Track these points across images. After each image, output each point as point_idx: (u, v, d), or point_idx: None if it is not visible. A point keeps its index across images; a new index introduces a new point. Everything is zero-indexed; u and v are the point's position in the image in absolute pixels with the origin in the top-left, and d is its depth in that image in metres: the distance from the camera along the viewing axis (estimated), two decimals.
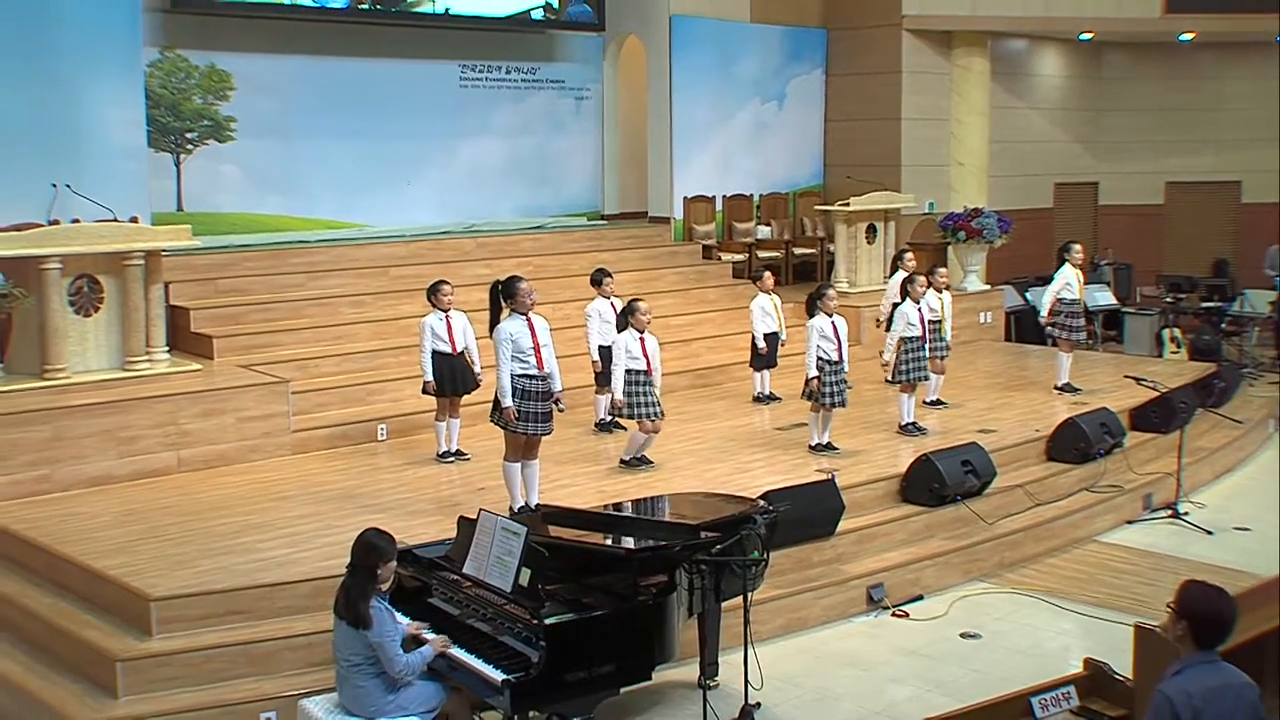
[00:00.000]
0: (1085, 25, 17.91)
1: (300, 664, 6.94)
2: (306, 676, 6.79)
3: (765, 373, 12.22)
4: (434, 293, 10.01)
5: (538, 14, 15.39)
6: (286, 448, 10.24)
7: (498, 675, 5.71)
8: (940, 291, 11.58)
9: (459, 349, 9.97)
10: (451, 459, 10.02)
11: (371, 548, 5.95)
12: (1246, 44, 18.60)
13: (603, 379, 10.56)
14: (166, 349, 10.50)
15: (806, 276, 16.65)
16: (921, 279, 11.03)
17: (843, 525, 8.83)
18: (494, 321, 8.43)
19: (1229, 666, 4.88)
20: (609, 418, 10.86)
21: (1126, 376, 11.80)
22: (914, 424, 10.85)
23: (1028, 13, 17.11)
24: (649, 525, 6.62)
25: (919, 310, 10.78)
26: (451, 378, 9.96)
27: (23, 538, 8.18)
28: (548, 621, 5.70)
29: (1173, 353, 15.91)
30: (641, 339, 9.54)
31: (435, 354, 9.88)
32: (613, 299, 10.84)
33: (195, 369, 10.55)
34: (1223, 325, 16.72)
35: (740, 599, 6.61)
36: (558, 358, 8.63)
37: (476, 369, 10.00)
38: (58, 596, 7.61)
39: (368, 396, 11.15)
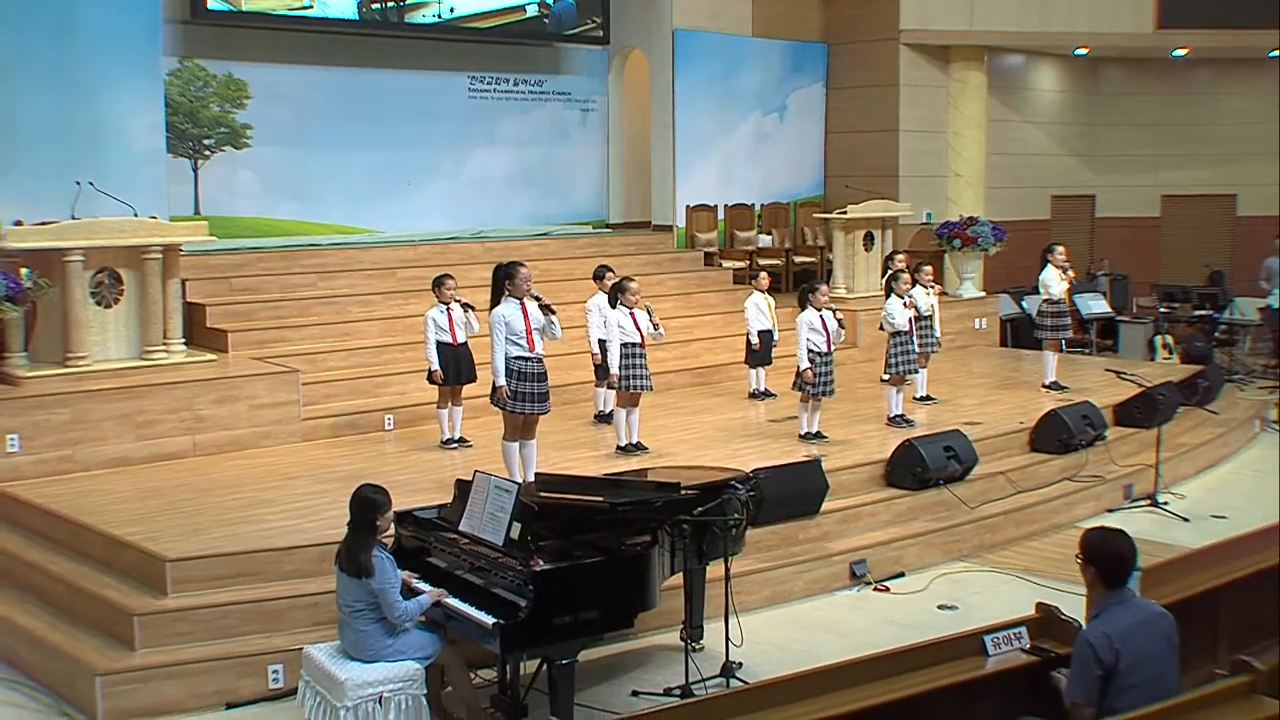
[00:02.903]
0: (1079, 40, 18.32)
1: (307, 622, 7.34)
2: (313, 633, 7.16)
3: (760, 370, 12.60)
4: (438, 286, 10.44)
5: (532, 9, 15.81)
6: (296, 435, 10.66)
7: (489, 619, 6.11)
8: (926, 288, 11.95)
9: (460, 340, 10.39)
10: (455, 446, 10.42)
11: (368, 502, 6.37)
12: (1240, 60, 18.99)
13: (602, 371, 10.94)
14: (183, 340, 10.93)
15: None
16: (905, 275, 11.44)
17: (827, 506, 9.20)
18: (495, 303, 8.85)
19: (1143, 602, 5.30)
20: (609, 410, 11.24)
21: (1107, 370, 12.16)
22: (902, 416, 11.21)
23: (1023, 27, 17.52)
24: (635, 486, 7.01)
25: (903, 304, 11.18)
26: (456, 367, 10.37)
27: (46, 510, 8.63)
28: (536, 570, 6.10)
29: (1164, 359, 16.27)
30: (632, 314, 10.00)
31: (439, 344, 10.30)
32: None
33: (210, 359, 10.99)
34: (1215, 334, 17.08)
35: (725, 568, 7.02)
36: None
37: (476, 327, 10.36)
38: (79, 562, 8.03)
39: (374, 389, 11.56)
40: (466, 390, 10.58)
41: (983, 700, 5.53)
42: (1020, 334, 16.65)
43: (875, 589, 8.96)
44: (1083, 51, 19.27)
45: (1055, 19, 17.61)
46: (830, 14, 18.15)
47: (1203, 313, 17.37)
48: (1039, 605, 5.96)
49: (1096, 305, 17.13)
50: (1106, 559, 5.15)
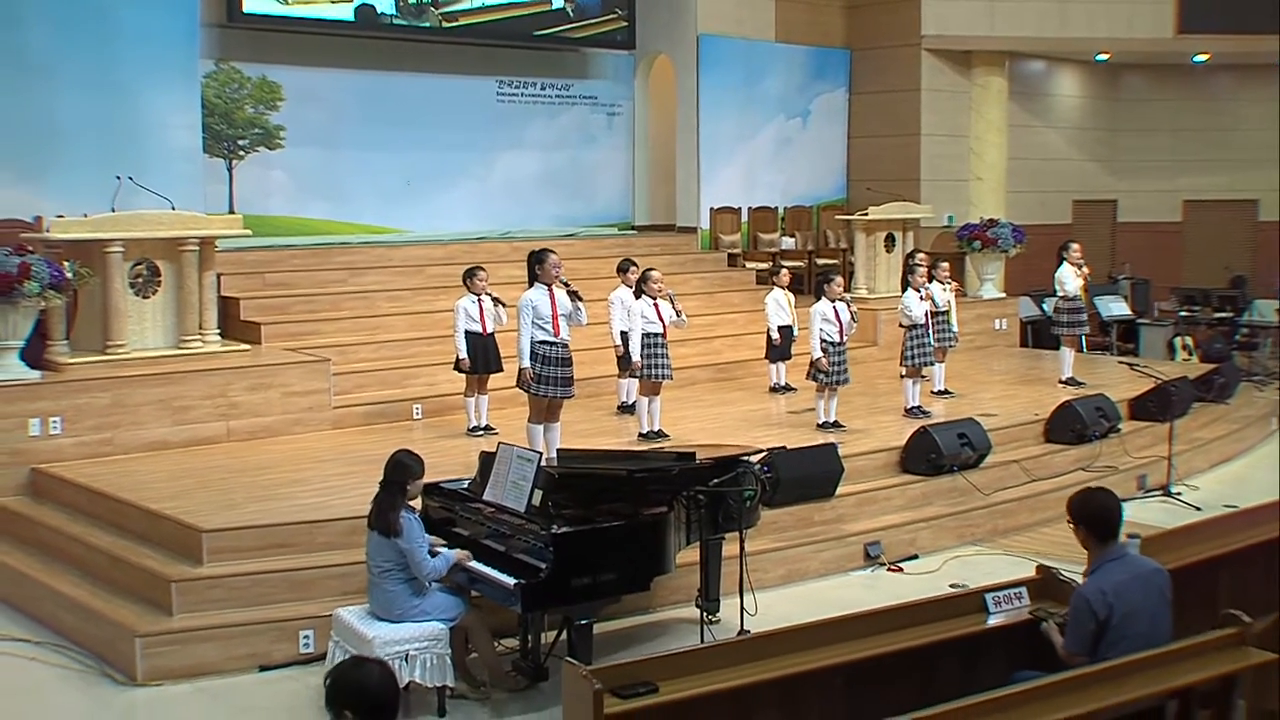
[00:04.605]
0: (1099, 45, 18.50)
1: (336, 591, 7.63)
2: (342, 601, 7.39)
3: (781, 365, 12.84)
4: (470, 276, 10.75)
5: (558, 1, 16.10)
6: (327, 422, 10.96)
7: (511, 581, 6.39)
8: (944, 284, 12.17)
9: (489, 330, 10.68)
10: (481, 433, 10.68)
11: (401, 465, 6.69)
12: (1261, 65, 19.10)
13: (625, 362, 11.18)
14: (218, 331, 11.27)
15: None
16: (922, 270, 11.68)
17: (843, 490, 9.46)
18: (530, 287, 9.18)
19: (1138, 558, 5.55)
20: (631, 400, 11.50)
21: (1120, 362, 12.34)
22: (919, 407, 11.43)
23: (1043, 33, 17.74)
24: (653, 457, 7.28)
25: (919, 298, 11.42)
26: (485, 357, 10.66)
27: (88, 487, 8.97)
28: (556, 532, 6.37)
29: (1184, 359, 16.42)
30: (656, 304, 10.26)
31: (468, 334, 10.59)
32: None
33: (244, 349, 11.34)
34: (1237, 337, 17.21)
35: (740, 539, 7.28)
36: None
37: (504, 320, 10.63)
38: (118, 535, 8.37)
39: (403, 380, 11.85)
40: (493, 380, 10.86)
41: (984, 655, 5.76)
42: (1041, 335, 16.81)
43: (889, 569, 9.20)
44: (1104, 57, 19.46)
45: (1075, 24, 17.80)
46: (853, 20, 18.40)
47: (1223, 315, 17.52)
48: (1039, 567, 6.19)
49: (1117, 308, 17.34)
50: (1092, 515, 5.43)
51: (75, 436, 9.76)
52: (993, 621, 5.83)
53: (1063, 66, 19.90)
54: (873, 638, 5.55)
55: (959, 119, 17.96)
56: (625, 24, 16.68)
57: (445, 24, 15.21)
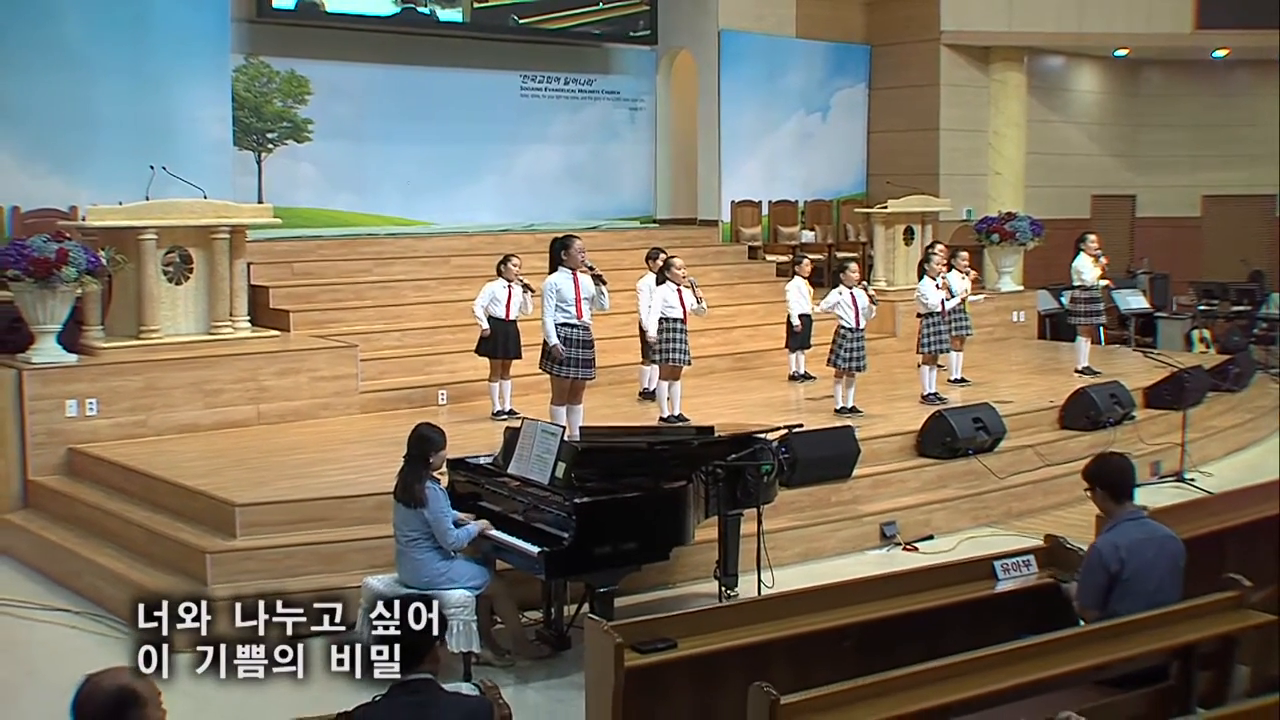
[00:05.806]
0: (1118, 40, 18.64)
1: (364, 564, 7.84)
2: (371, 574, 7.64)
3: (800, 354, 13.01)
4: (504, 263, 11.01)
5: None
6: (354, 407, 11.20)
7: (534, 549, 6.61)
8: (963, 273, 12.34)
9: (512, 316, 10.91)
10: (505, 417, 10.89)
11: (423, 438, 6.91)
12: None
13: (649, 350, 11.38)
14: (248, 318, 11.53)
15: None
16: (938, 258, 11.85)
17: (859, 471, 9.64)
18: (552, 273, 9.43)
19: (1155, 523, 5.73)
20: (653, 386, 11.69)
21: (1136, 349, 12.49)
22: (935, 394, 11.59)
23: (1061, 28, 17.89)
24: (673, 431, 7.48)
25: (936, 286, 11.59)
26: (505, 342, 10.90)
27: (124, 466, 9.25)
28: (578, 501, 6.59)
29: (1202, 352, 16.53)
30: (678, 290, 10.48)
31: (491, 319, 10.84)
32: None
33: (273, 334, 11.61)
34: (1255, 330, 17.31)
35: (758, 514, 7.49)
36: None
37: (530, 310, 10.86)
38: (154, 511, 8.65)
39: (426, 367, 12.09)
40: (516, 367, 11.08)
41: (991, 620, 5.93)
42: (1059, 328, 16.90)
43: (904, 549, 9.38)
44: (1122, 53, 19.59)
45: (1093, 20, 17.94)
46: (873, 16, 18.58)
47: (1240, 309, 17.63)
48: (1047, 536, 6.37)
49: (1135, 302, 17.41)
50: (1109, 475, 5.64)
51: (110, 418, 10.03)
52: (1001, 588, 6.01)
53: (1081, 62, 20.04)
54: (883, 601, 5.73)
55: (978, 114, 18.12)
56: (647, 8, 16.84)
57: (476, 4, 15.42)
